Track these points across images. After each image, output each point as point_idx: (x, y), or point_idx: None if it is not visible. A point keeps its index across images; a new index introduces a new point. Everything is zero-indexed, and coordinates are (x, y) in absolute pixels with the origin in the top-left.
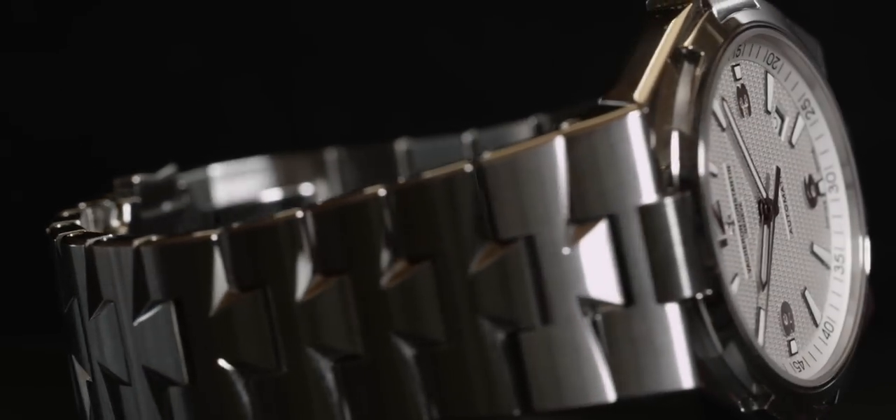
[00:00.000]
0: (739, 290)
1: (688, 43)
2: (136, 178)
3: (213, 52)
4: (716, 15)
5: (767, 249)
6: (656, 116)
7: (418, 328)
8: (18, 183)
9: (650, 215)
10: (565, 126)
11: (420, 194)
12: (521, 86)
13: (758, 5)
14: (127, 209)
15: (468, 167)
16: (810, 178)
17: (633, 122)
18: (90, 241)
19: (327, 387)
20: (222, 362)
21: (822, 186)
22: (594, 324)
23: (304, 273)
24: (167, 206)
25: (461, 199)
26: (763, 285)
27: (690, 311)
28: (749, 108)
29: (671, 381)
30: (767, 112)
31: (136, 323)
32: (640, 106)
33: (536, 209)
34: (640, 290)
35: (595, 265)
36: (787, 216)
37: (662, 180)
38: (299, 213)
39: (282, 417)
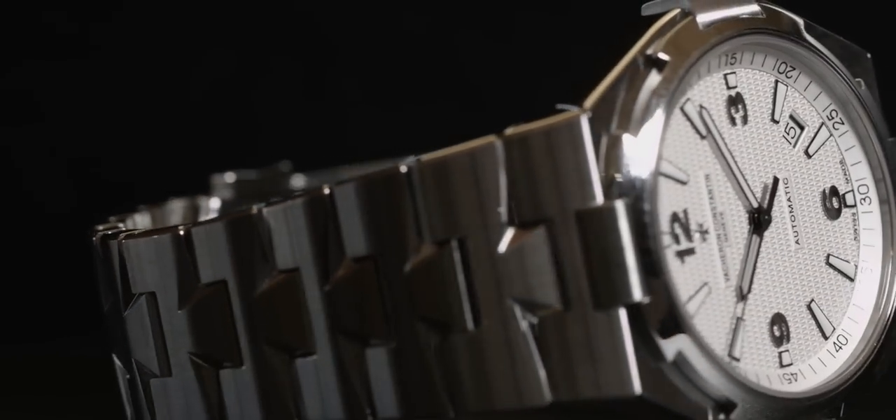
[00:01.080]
0: (709, 299)
1: (654, 49)
2: (231, 177)
3: (246, 56)
4: (698, 23)
5: (753, 260)
6: (609, 121)
7: (363, 327)
8: (56, 190)
9: (591, 220)
10: (509, 130)
11: (364, 192)
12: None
13: (762, 15)
14: (215, 203)
15: (403, 168)
16: (833, 189)
17: (575, 126)
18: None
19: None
20: None
21: (851, 198)
22: (531, 327)
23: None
24: None
25: (397, 201)
26: (744, 295)
27: (636, 317)
28: (745, 116)
29: (611, 386)
30: (774, 121)
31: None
32: (583, 110)
33: (469, 211)
34: (578, 294)
35: (531, 268)
36: (793, 226)
37: (607, 185)
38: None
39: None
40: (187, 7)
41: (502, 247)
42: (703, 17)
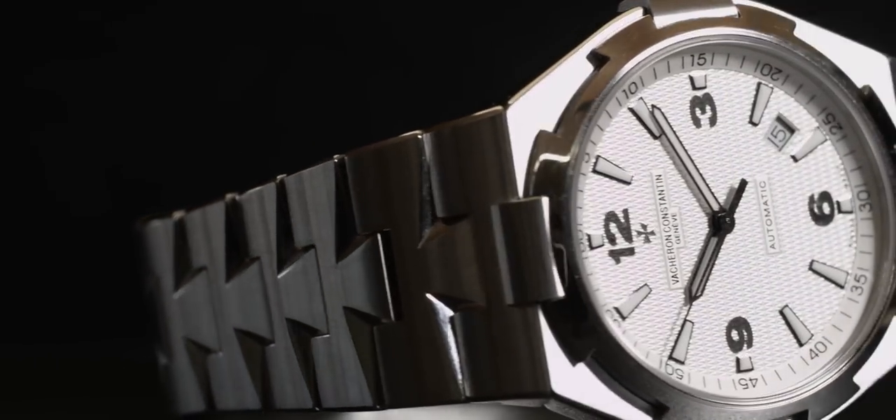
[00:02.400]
0: (648, 300)
1: (598, 47)
2: None
3: (274, 54)
4: (655, 23)
5: (708, 262)
6: (545, 117)
7: (302, 320)
8: (85, 191)
9: (510, 215)
10: (438, 126)
11: (290, 187)
12: None
13: (738, 17)
14: None
15: (335, 159)
16: (824, 194)
17: (497, 121)
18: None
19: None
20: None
21: (848, 204)
22: (452, 322)
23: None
24: None
25: (332, 194)
26: (694, 297)
27: (555, 315)
28: (713, 118)
29: (526, 383)
30: (753, 123)
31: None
32: (506, 107)
33: (393, 204)
34: (497, 290)
35: (452, 263)
36: (769, 230)
37: (530, 181)
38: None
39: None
40: (213, 6)
41: (424, 241)
42: (663, 18)
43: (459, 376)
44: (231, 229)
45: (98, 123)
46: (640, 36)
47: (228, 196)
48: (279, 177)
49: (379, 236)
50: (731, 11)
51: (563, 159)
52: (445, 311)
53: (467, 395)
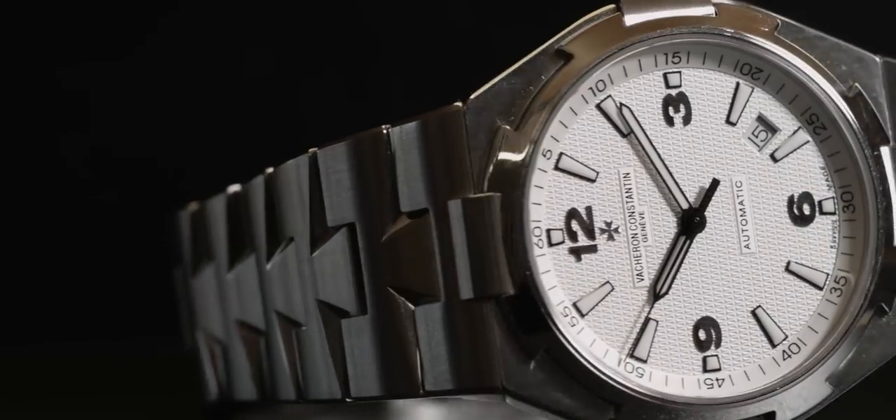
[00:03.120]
0: (610, 298)
1: (563, 44)
2: None
3: (290, 54)
4: (624, 21)
5: (676, 261)
6: (506, 113)
7: (286, 313)
8: (102, 187)
9: (464, 211)
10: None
11: (275, 180)
12: None
13: (714, 16)
14: None
15: (311, 152)
16: (805, 194)
17: (453, 117)
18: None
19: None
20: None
21: (830, 205)
22: (413, 316)
23: None
24: None
25: (306, 188)
26: (659, 296)
27: (508, 312)
28: (687, 117)
29: (476, 379)
30: (731, 123)
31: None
32: (465, 103)
33: (360, 198)
34: (454, 285)
35: (410, 257)
36: (744, 230)
37: (486, 177)
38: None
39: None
40: (232, 4)
41: (385, 235)
42: (633, 16)
43: (419, 371)
44: (232, 221)
45: (121, 120)
46: (608, 34)
47: (231, 189)
48: (268, 169)
49: (346, 230)
50: (708, 10)
51: (518, 156)
52: (408, 306)
53: (427, 390)
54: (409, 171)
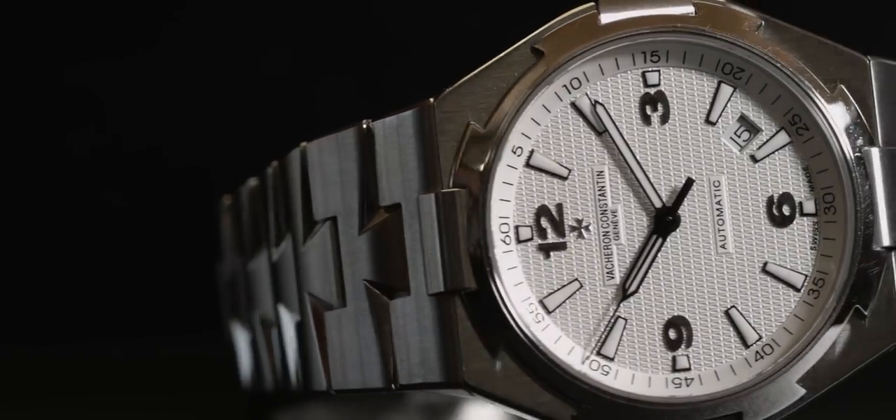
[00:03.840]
0: (578, 295)
1: (537, 41)
2: None
3: (307, 54)
4: (600, 20)
5: (647, 260)
6: (478, 109)
7: (287, 304)
8: (117, 185)
9: (431, 206)
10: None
11: (279, 173)
12: None
13: (694, 15)
14: None
15: (302, 145)
16: (785, 195)
17: (424, 114)
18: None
19: None
20: None
21: (811, 206)
22: (388, 310)
23: None
24: None
25: (293, 182)
26: (628, 295)
27: (473, 307)
28: (665, 115)
29: (440, 373)
30: (710, 123)
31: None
32: (432, 101)
33: (338, 192)
34: (418, 280)
35: (385, 251)
36: (720, 230)
37: (451, 173)
38: None
39: None
40: (248, 3)
41: (364, 229)
42: (609, 15)
43: (380, 366)
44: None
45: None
46: (581, 31)
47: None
48: (274, 162)
49: (330, 223)
50: (687, 9)
51: (484, 153)
52: (384, 300)
53: (400, 384)
54: (387, 166)
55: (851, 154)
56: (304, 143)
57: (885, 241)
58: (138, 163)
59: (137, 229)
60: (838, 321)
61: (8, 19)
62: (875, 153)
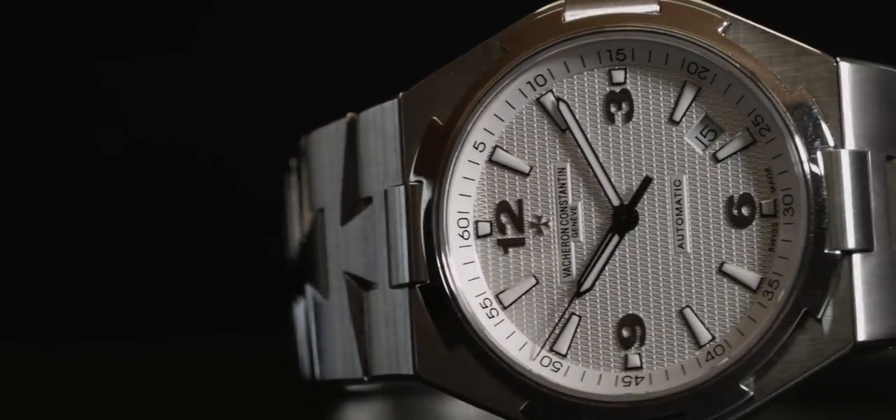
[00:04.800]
0: (534, 291)
1: (502, 39)
2: None
3: (328, 52)
4: (564, 17)
5: (603, 258)
6: (435, 106)
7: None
8: (137, 184)
9: (392, 199)
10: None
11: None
12: None
13: (657, 14)
14: None
15: (302, 138)
16: (745, 196)
17: (388, 110)
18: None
19: None
20: None
21: (770, 207)
22: (358, 302)
23: None
24: None
25: (298, 173)
26: (583, 292)
27: (429, 300)
28: (629, 114)
29: (396, 364)
30: (674, 122)
31: None
32: (401, 95)
33: (325, 184)
34: (383, 273)
35: (356, 244)
36: (678, 230)
37: (411, 166)
38: None
39: None
40: (269, 3)
41: (347, 221)
42: (574, 12)
43: (356, 358)
44: None
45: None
46: (544, 29)
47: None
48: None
49: (320, 214)
50: (652, 8)
51: (443, 149)
52: (359, 292)
53: (372, 375)
54: (367, 158)
55: (806, 155)
56: (304, 137)
57: (850, 243)
58: (161, 161)
59: (161, 227)
60: (787, 324)
61: (33, 18)
62: (838, 155)
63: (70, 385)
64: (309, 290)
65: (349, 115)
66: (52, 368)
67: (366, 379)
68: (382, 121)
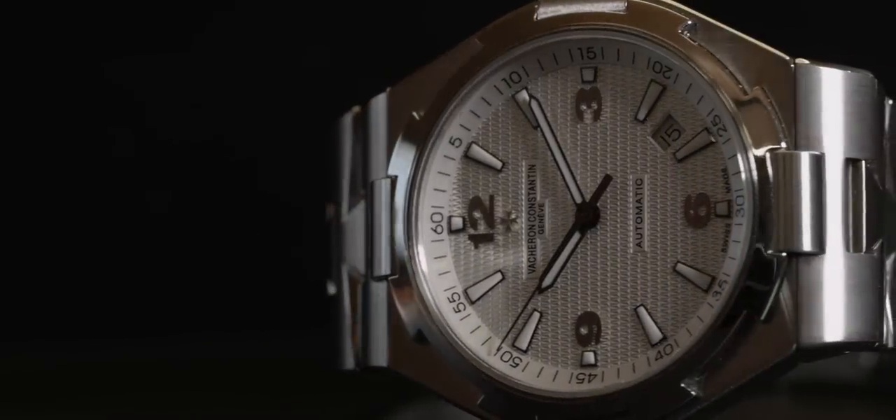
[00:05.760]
0: (500, 287)
1: (479, 35)
2: None
3: (346, 53)
4: (535, 15)
5: (564, 255)
6: (416, 102)
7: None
8: (156, 183)
9: (371, 193)
10: None
11: None
12: None
13: (623, 13)
14: None
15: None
16: (702, 196)
17: (377, 103)
18: None
19: None
20: None
21: (724, 208)
22: (354, 293)
23: None
24: None
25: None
26: (545, 289)
27: (398, 293)
28: (597, 112)
29: (375, 357)
30: (639, 121)
31: None
32: (388, 90)
33: (335, 176)
34: (367, 263)
35: (354, 236)
36: (637, 229)
37: (389, 162)
38: None
39: None
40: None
41: (347, 213)
42: (545, 10)
43: (348, 349)
44: None
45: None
46: (518, 27)
47: None
48: None
49: (332, 207)
50: (619, 6)
51: (418, 143)
52: (355, 283)
53: (364, 367)
54: (365, 150)
55: (753, 156)
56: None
57: (796, 246)
58: (181, 159)
59: (181, 225)
60: (728, 325)
61: (47, 16)
62: (789, 157)
63: (89, 385)
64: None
65: (355, 108)
66: (71, 371)
67: (359, 370)
68: (376, 114)
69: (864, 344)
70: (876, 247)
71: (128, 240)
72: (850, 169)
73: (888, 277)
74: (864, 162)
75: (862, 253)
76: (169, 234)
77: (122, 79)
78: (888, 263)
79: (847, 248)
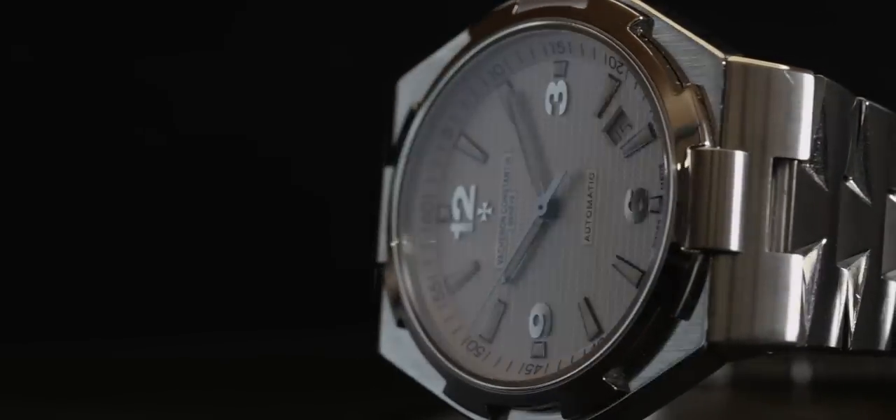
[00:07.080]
0: (475, 277)
1: (470, 27)
2: None
3: (370, 52)
4: (514, 9)
5: (526, 247)
6: (418, 92)
7: None
8: (179, 178)
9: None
10: None
11: None
12: None
13: (582, 7)
14: None
15: None
16: (641, 191)
17: (398, 93)
18: None
19: None
20: None
21: (656, 204)
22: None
23: None
24: None
25: None
26: (509, 280)
27: (384, 278)
28: (567, 107)
29: (381, 343)
30: (598, 116)
31: None
32: (398, 81)
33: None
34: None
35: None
36: (588, 222)
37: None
38: None
39: None
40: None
41: None
42: (522, 5)
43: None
44: None
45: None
46: (500, 20)
47: None
48: None
49: None
50: (581, 3)
51: (411, 134)
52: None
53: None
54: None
55: (672, 153)
56: None
57: (712, 242)
58: (207, 157)
59: (211, 223)
60: (644, 320)
61: (77, 14)
62: (711, 154)
63: (118, 383)
64: None
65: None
66: (100, 368)
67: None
68: (395, 102)
69: (777, 344)
70: (815, 247)
71: (158, 237)
72: (783, 169)
73: (848, 280)
74: (796, 162)
75: (783, 252)
76: (196, 232)
77: (151, 77)
78: (847, 266)
79: (769, 248)
